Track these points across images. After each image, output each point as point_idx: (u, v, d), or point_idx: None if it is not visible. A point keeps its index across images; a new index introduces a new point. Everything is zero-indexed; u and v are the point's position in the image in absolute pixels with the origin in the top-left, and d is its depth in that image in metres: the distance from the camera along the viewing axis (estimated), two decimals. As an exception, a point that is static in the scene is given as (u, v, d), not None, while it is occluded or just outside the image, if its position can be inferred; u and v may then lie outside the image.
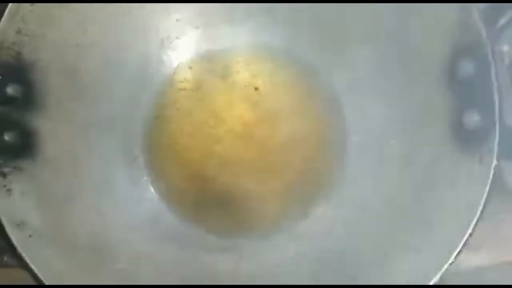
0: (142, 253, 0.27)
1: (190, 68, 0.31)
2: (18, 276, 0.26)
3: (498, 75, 0.22)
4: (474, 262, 0.28)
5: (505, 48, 0.36)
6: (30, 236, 0.24)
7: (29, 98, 0.26)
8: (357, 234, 0.27)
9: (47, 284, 0.23)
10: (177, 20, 0.30)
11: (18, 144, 0.25)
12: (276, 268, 0.28)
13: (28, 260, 0.23)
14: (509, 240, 0.28)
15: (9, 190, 0.25)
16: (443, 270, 0.21)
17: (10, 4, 0.25)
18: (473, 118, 0.22)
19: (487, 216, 0.28)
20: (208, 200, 0.30)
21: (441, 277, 0.22)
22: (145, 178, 0.30)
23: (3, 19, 0.25)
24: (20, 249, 0.24)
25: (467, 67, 0.23)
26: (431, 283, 0.21)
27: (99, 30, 0.28)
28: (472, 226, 0.21)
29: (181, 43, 0.31)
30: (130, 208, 0.29)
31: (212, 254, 0.29)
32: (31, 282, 0.24)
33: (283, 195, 0.30)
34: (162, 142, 0.30)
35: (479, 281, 0.28)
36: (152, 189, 0.30)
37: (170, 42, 0.31)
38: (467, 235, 0.21)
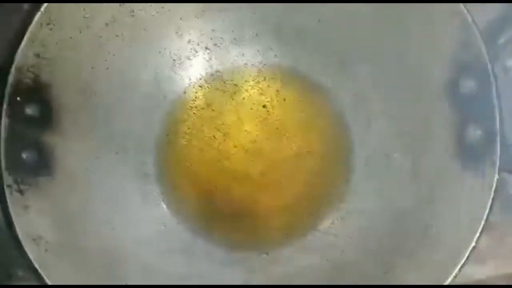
0: (153, 266, 0.28)
1: (201, 87, 0.32)
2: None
3: (503, 90, 0.23)
4: (479, 274, 0.28)
5: (510, 63, 0.37)
6: (46, 250, 0.25)
7: (46, 118, 0.27)
8: (363, 247, 0.28)
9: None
10: (188, 41, 0.32)
11: (35, 162, 0.26)
12: (285, 280, 0.29)
13: (43, 274, 0.24)
14: (514, 252, 0.28)
15: (26, 206, 0.26)
16: (447, 282, 0.21)
17: (29, 29, 0.26)
18: (475, 133, 0.23)
19: (492, 228, 0.29)
20: (217, 214, 0.31)
21: (447, 289, 0.22)
22: (156, 193, 0.31)
23: (22, 44, 0.26)
24: (35, 263, 0.25)
25: (468, 84, 0.23)
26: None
27: (114, 52, 0.29)
28: (475, 239, 0.21)
29: (192, 63, 0.32)
30: (142, 222, 0.30)
31: (222, 267, 0.29)
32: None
33: (291, 209, 0.31)
34: (173, 158, 0.31)
35: (485, 293, 0.28)
36: (163, 204, 0.30)
37: (182, 62, 0.32)
38: (470, 248, 0.21)
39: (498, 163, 0.21)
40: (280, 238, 0.30)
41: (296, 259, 0.29)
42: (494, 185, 0.21)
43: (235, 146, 0.31)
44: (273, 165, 0.31)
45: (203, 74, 0.32)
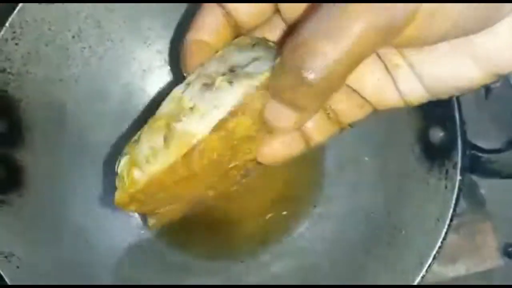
0: (129, 279, 0.28)
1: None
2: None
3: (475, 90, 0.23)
4: (452, 272, 0.28)
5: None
6: (17, 267, 0.25)
7: (14, 134, 0.27)
8: (337, 250, 0.28)
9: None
10: (157, 51, 0.32)
11: (5, 179, 0.26)
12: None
13: (16, 291, 0.24)
14: (484, 250, 0.28)
15: (-4, 223, 0.25)
16: (415, 283, 0.22)
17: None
18: (437, 135, 0.23)
19: (462, 228, 0.29)
20: (192, 224, 0.30)
21: (420, 288, 0.22)
22: (130, 205, 0.30)
23: (-13, 59, 0.26)
24: (8, 280, 0.24)
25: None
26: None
27: (82, 64, 0.29)
28: (440, 240, 0.21)
29: (162, 73, 0.32)
30: (116, 235, 0.29)
31: (199, 277, 0.29)
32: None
33: (265, 215, 0.31)
34: (146, 169, 0.31)
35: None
36: (137, 215, 0.30)
37: (152, 72, 0.32)
38: (436, 248, 0.21)
39: (460, 164, 0.22)
40: (255, 246, 0.30)
41: (272, 265, 0.29)
42: (457, 185, 0.22)
43: (208, 155, 0.31)
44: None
45: (174, 83, 0.32)
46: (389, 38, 0.14)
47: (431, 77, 0.17)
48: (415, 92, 0.17)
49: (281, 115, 0.16)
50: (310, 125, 0.18)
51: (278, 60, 0.15)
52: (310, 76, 0.14)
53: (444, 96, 0.17)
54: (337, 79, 0.14)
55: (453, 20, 0.14)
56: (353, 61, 0.14)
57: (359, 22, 0.13)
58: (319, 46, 0.14)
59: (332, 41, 0.14)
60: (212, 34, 0.18)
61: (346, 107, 0.19)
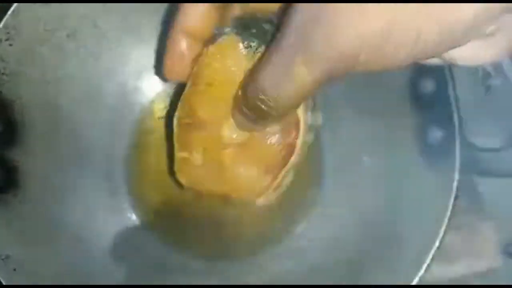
0: (128, 280, 0.28)
1: (169, 96, 0.32)
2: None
3: (474, 88, 0.23)
4: (451, 272, 0.28)
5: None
6: (14, 269, 0.25)
7: (9, 134, 0.27)
8: (336, 250, 0.28)
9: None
10: (154, 50, 0.31)
11: (0, 179, 0.26)
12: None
13: (13, 294, 0.24)
14: (483, 249, 0.28)
15: (-8, 225, 0.25)
16: (414, 282, 0.21)
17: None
18: (436, 134, 0.23)
19: (462, 228, 0.29)
20: (189, 225, 0.30)
21: (418, 288, 0.22)
22: (126, 206, 0.30)
23: (-18, 60, 0.26)
24: (4, 283, 0.24)
25: (428, 85, 0.23)
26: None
27: (78, 63, 0.29)
28: (439, 239, 0.21)
29: (158, 72, 0.32)
30: (113, 236, 0.29)
31: (197, 279, 0.29)
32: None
33: (264, 216, 0.30)
34: (142, 170, 0.31)
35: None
36: (134, 217, 0.30)
37: (148, 72, 0.31)
38: (435, 248, 0.21)
39: (458, 163, 0.21)
40: (254, 246, 0.30)
41: (271, 265, 0.29)
42: (455, 184, 0.21)
43: (205, 155, 0.31)
44: (244, 172, 0.31)
45: (170, 83, 0.32)
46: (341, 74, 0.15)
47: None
48: None
49: (243, 123, 0.20)
50: None
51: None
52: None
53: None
54: (289, 111, 0.18)
55: (406, 50, 0.14)
56: (302, 97, 0.17)
57: (310, 77, 0.15)
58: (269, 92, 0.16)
59: (280, 88, 0.16)
60: (198, 19, 0.19)
61: None
